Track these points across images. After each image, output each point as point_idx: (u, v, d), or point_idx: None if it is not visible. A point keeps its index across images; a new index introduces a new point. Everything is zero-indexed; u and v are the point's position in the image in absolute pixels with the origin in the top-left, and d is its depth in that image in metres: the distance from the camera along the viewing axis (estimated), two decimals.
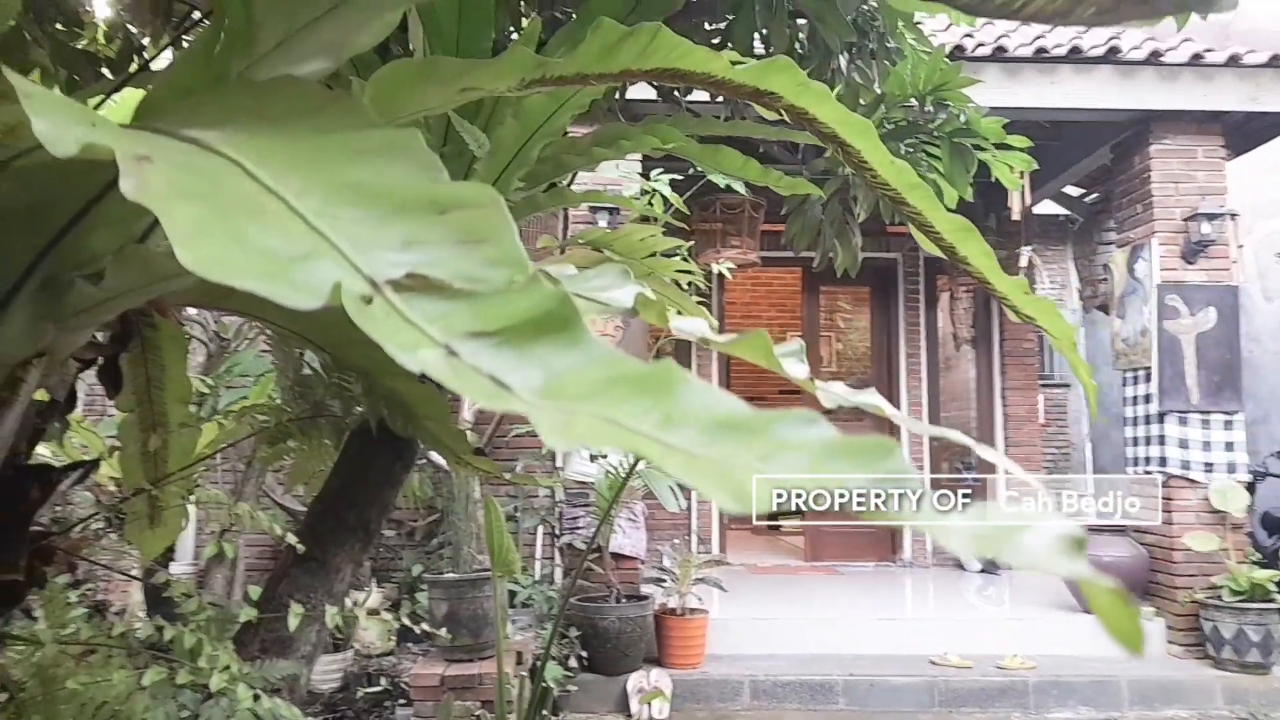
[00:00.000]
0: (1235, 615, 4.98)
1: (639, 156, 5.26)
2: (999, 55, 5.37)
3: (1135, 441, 5.83)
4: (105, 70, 2.22)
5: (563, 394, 0.33)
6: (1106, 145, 6.12)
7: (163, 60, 2.12)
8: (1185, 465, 5.40)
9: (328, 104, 0.51)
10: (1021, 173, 5.67)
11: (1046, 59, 5.38)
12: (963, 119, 2.76)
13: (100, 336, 0.94)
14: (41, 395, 0.90)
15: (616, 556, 5.03)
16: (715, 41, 2.22)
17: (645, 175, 5.16)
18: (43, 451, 3.07)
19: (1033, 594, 6.17)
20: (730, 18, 2.05)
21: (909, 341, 8.21)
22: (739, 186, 5.38)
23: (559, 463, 5.21)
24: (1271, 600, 4.96)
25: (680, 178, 4.99)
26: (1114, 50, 5.30)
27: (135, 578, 3.28)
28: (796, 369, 0.55)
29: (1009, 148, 2.80)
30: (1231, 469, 5.37)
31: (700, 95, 1.44)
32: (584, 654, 4.63)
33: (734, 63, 0.90)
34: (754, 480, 0.26)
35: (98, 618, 2.49)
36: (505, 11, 2.00)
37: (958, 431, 0.56)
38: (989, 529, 0.25)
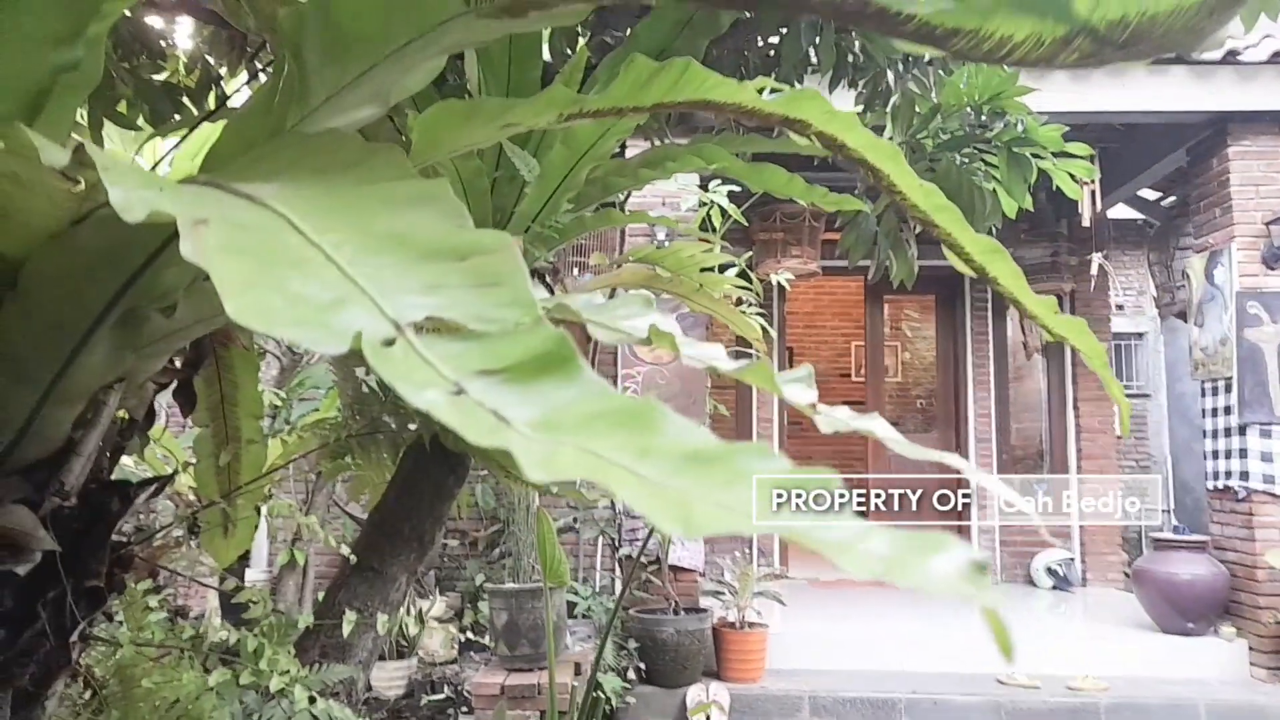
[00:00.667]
0: None
1: None
2: None
3: (1215, 455, 5.62)
4: (186, 99, 2.36)
5: (556, 427, 0.37)
6: (1183, 148, 5.93)
7: (240, 97, 2.24)
8: (1268, 480, 5.18)
9: (368, 156, 0.56)
10: (1088, 180, 5.53)
11: None
12: (1021, 127, 2.73)
13: (175, 360, 1.02)
14: (121, 414, 0.98)
15: (675, 569, 5.06)
16: (770, 55, 2.24)
17: (704, 186, 5.18)
18: (126, 462, 3.24)
19: (1106, 612, 5.99)
20: (783, 31, 2.08)
21: (976, 351, 8.05)
22: None
23: None
24: None
25: (739, 189, 5.00)
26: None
27: (207, 585, 3.43)
28: (802, 395, 0.58)
29: (1070, 155, 2.76)
30: None
31: None
32: (642, 666, 4.66)
33: (760, 90, 0.93)
34: (708, 509, 0.29)
35: (177, 621, 2.62)
36: (560, 35, 2.07)
37: (937, 450, 0.58)
38: (900, 554, 0.28)
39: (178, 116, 2.25)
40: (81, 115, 1.97)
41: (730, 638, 4.91)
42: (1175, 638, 5.24)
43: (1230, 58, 5.19)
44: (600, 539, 5.36)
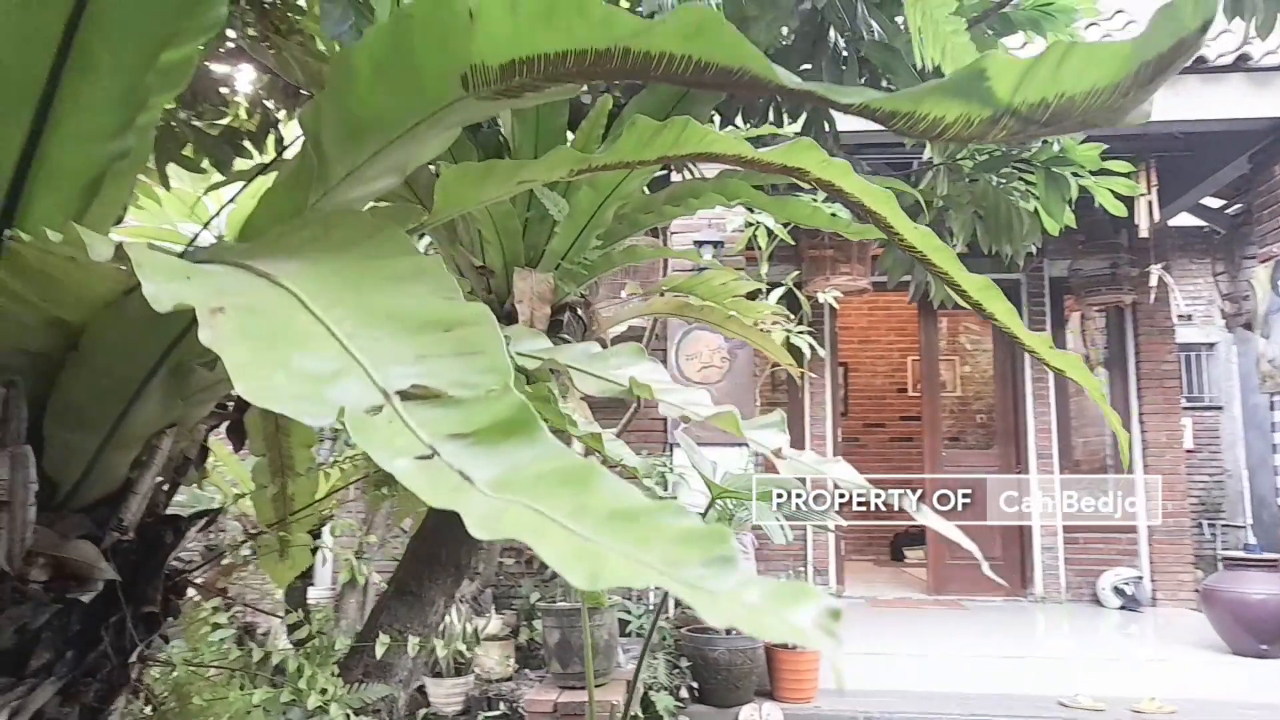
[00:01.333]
0: None
1: None
2: None
3: None
4: (247, 142, 2.50)
5: (511, 486, 0.43)
6: (1244, 155, 5.77)
7: (299, 143, 2.36)
8: None
9: (375, 233, 0.63)
10: (1143, 192, 5.41)
11: None
12: (1058, 146, 2.72)
13: (227, 403, 1.11)
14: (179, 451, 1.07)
15: None
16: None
17: (749, 206, 5.22)
18: (196, 489, 3.40)
19: (1176, 633, 5.80)
20: (806, 67, 2.12)
21: (1035, 364, 7.89)
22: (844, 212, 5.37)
23: (670, 493, 5.30)
24: None
25: None
26: (1244, 58, 5.03)
27: (262, 610, 3.57)
28: (773, 439, 0.63)
29: (1110, 173, 2.74)
30: None
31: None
32: (695, 685, 4.68)
33: (763, 136, 0.99)
34: (619, 562, 0.35)
35: (245, 639, 2.75)
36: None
37: (897, 487, 0.62)
38: (765, 603, 0.32)
39: (240, 159, 2.41)
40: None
41: (782, 657, 4.90)
42: (1247, 660, 5.06)
43: None
44: None
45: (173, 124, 2.06)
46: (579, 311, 1.71)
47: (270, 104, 2.61)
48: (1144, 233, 5.93)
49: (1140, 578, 7.02)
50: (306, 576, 4.64)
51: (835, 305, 5.84)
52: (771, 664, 4.90)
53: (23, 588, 0.74)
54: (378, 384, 0.49)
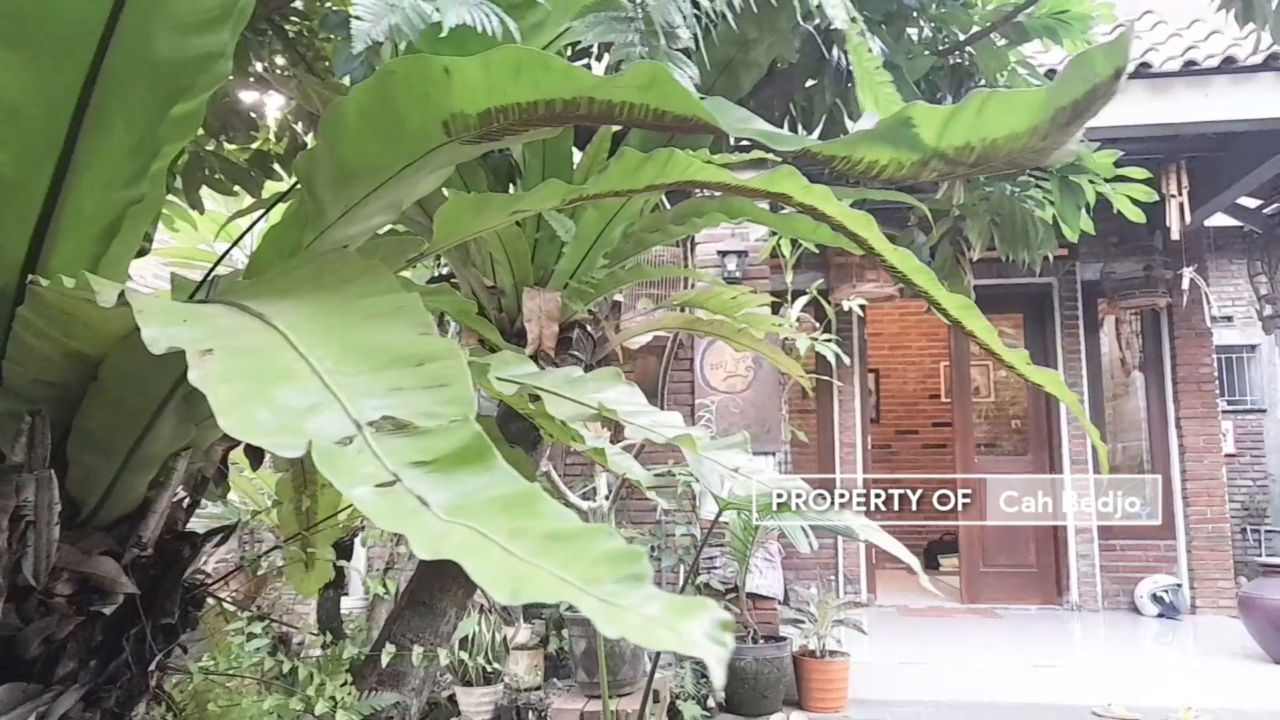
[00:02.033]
0: None
1: None
2: (1142, 71, 5.13)
3: None
4: (276, 165, 2.60)
5: (463, 510, 0.47)
6: (1278, 154, 5.67)
7: None
8: None
9: (362, 273, 0.68)
10: (1174, 194, 5.34)
11: (1197, 71, 5.10)
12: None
13: None
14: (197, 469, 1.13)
15: (753, 597, 5.08)
16: (805, 105, 2.33)
17: (774, 209, 5.23)
18: (233, 498, 3.50)
19: (1214, 642, 5.69)
20: (812, 83, 2.16)
21: (1068, 369, 7.79)
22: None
23: (696, 503, 5.33)
24: None
25: None
26: (1274, 57, 4.95)
27: (283, 622, 3.66)
28: (732, 459, 0.67)
29: (1126, 179, 2.73)
30: None
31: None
32: (722, 694, 4.69)
33: (751, 162, 1.03)
34: (541, 578, 0.39)
35: (278, 649, 2.83)
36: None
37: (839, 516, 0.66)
38: (662, 615, 0.36)
39: (268, 182, 2.50)
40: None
41: (811, 666, 4.89)
42: None
43: None
44: (681, 567, 5.43)
45: (201, 154, 2.15)
46: (587, 328, 1.76)
47: (299, 127, 2.71)
48: (1175, 235, 5.85)
49: (1179, 585, 6.90)
50: (340, 586, 4.74)
51: (861, 312, 5.82)
52: (800, 673, 4.90)
53: (48, 601, 0.80)
54: (351, 416, 0.54)
